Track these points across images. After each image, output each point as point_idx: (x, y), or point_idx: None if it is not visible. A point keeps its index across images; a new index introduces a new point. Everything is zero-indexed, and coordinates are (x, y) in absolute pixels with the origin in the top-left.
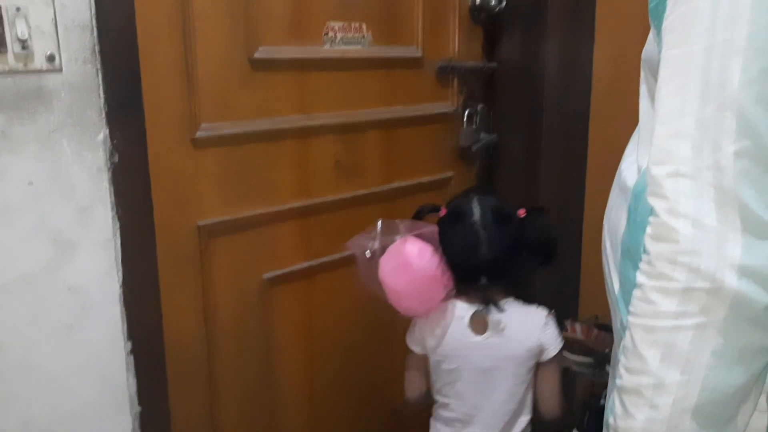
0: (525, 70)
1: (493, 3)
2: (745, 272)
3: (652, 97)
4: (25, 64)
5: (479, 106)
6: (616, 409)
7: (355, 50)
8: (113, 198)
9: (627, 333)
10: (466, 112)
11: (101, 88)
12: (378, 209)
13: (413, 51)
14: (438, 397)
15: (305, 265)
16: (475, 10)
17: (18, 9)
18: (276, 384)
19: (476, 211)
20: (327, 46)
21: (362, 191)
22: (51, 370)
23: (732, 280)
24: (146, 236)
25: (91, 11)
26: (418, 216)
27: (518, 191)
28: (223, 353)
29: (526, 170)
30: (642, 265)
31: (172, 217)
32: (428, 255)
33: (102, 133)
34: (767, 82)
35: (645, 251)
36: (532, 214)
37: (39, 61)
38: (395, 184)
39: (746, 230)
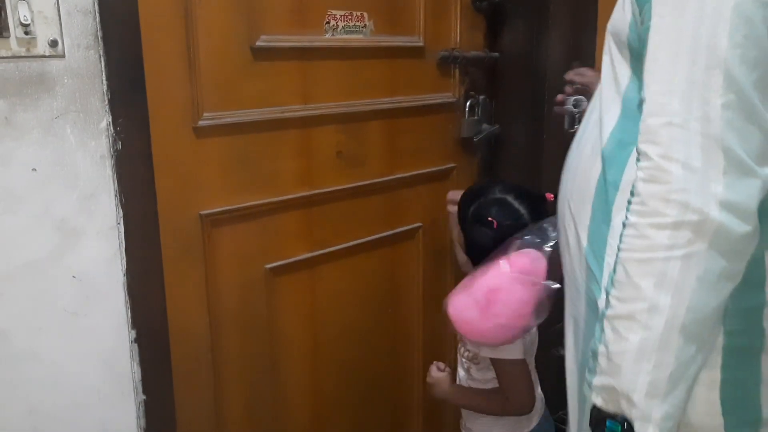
0: (527, 60)
1: None
2: (725, 206)
3: (613, 65)
4: (28, 50)
5: (481, 97)
6: (606, 337)
7: (356, 39)
8: (117, 186)
9: (618, 268)
10: (468, 103)
11: (104, 74)
12: (381, 199)
13: (415, 40)
14: None
15: (308, 255)
16: (477, 0)
17: None
18: (280, 373)
19: (523, 212)
20: (329, 35)
21: (364, 182)
22: (56, 357)
23: (715, 213)
24: (150, 224)
25: None
26: (480, 237)
27: (520, 182)
28: (227, 342)
29: (528, 161)
30: (634, 207)
31: (174, 205)
32: (528, 284)
33: (105, 120)
34: (750, 47)
35: (635, 194)
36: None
37: (42, 47)
38: (398, 175)
39: (728, 171)
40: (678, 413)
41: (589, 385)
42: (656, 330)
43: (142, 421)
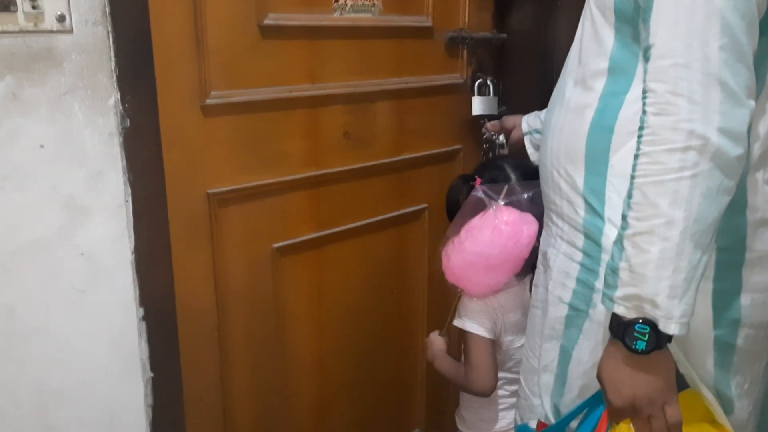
0: (535, 42)
1: None
2: (723, 131)
3: (595, 28)
4: (36, 24)
5: (489, 78)
6: (627, 253)
7: (365, 18)
8: (125, 163)
9: (635, 192)
10: (477, 83)
11: (112, 51)
12: (387, 180)
13: (423, 20)
14: (506, 376)
15: (315, 235)
16: None
17: None
18: (286, 351)
19: (512, 175)
20: (337, 14)
21: (371, 162)
22: (64, 335)
23: (714, 137)
24: (158, 203)
25: None
26: (455, 193)
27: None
28: (234, 321)
29: None
30: (645, 138)
31: (182, 184)
32: (531, 220)
33: (113, 98)
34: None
35: (645, 127)
36: None
37: (49, 21)
38: (404, 156)
39: (724, 102)
40: (691, 311)
41: (610, 298)
42: (673, 240)
43: (150, 399)
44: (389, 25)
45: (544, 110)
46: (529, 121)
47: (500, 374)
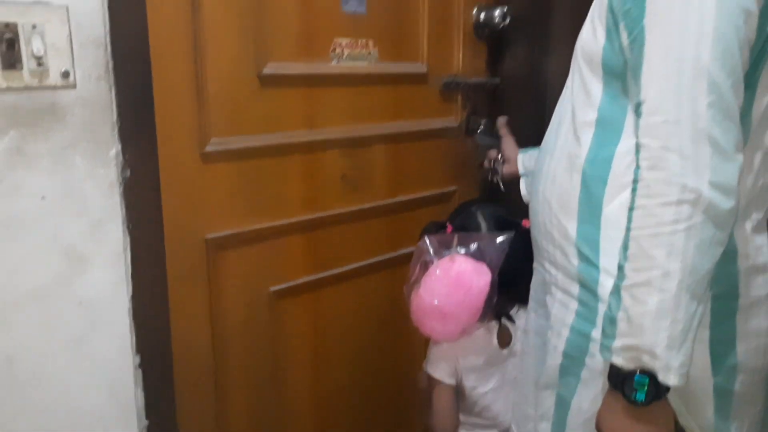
0: (528, 86)
1: (497, 20)
2: (714, 185)
3: (584, 81)
4: (40, 81)
5: (483, 121)
6: (625, 304)
7: (361, 66)
8: (125, 212)
9: (631, 244)
10: (470, 127)
11: (114, 104)
12: (383, 222)
13: (418, 67)
14: (470, 420)
15: (312, 277)
16: (479, 27)
17: (34, 26)
18: (284, 397)
19: (483, 225)
20: (334, 62)
21: (368, 204)
22: (61, 383)
23: (707, 192)
24: (156, 250)
25: (105, 28)
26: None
27: (522, 204)
28: (231, 366)
29: None
30: (640, 192)
31: (181, 230)
32: (484, 271)
33: (114, 149)
34: (727, 58)
35: (639, 180)
36: None
37: (54, 78)
38: (400, 198)
39: (714, 157)
40: (689, 361)
41: (608, 349)
42: (670, 292)
43: None
44: (385, 72)
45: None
46: (525, 163)
47: (468, 419)
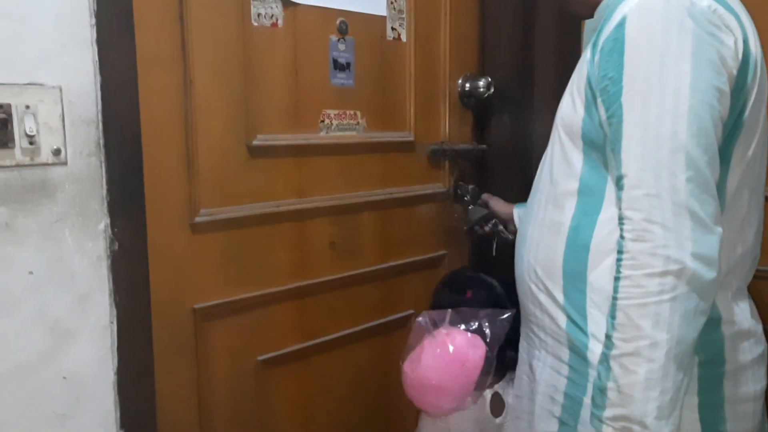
0: (514, 151)
1: (481, 90)
2: (696, 257)
3: (564, 152)
4: (32, 159)
5: (470, 186)
6: (615, 374)
7: (350, 136)
8: (112, 285)
9: (619, 314)
10: (458, 192)
11: (104, 179)
12: (373, 288)
13: (406, 136)
14: None
15: (300, 346)
16: (464, 96)
17: (27, 107)
18: None
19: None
20: (323, 133)
21: (357, 271)
22: None
23: (690, 263)
24: (142, 322)
25: (97, 107)
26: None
27: (512, 269)
28: None
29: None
30: (626, 263)
31: (168, 301)
32: (479, 344)
33: (103, 223)
34: (702, 136)
35: (625, 252)
36: None
37: (45, 155)
38: (390, 263)
39: (694, 229)
40: (677, 430)
41: (599, 419)
42: (659, 362)
43: None
44: (373, 141)
45: None
46: (520, 215)
47: None
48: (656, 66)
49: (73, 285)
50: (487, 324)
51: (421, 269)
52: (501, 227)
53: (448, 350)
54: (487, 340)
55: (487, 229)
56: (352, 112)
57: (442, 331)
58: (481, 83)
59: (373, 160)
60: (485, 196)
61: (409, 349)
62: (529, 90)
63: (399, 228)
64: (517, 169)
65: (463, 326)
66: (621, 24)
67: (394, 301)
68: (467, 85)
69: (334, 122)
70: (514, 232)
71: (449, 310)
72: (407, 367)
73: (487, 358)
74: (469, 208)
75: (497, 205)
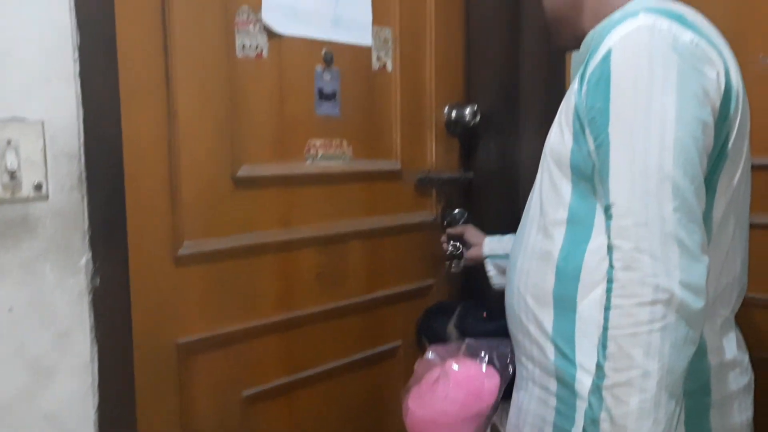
0: (501, 179)
1: (467, 118)
2: (685, 285)
3: (553, 182)
4: (13, 194)
5: (456, 211)
6: (607, 404)
7: (336, 165)
8: (93, 321)
9: (610, 344)
10: (446, 220)
11: (86, 213)
12: (360, 319)
13: (393, 164)
14: None
15: (287, 380)
16: (451, 124)
17: (9, 142)
18: None
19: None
20: (309, 162)
21: (344, 302)
22: None
23: (678, 292)
24: (124, 359)
25: (80, 140)
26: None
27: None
28: None
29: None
30: (616, 292)
31: (151, 336)
32: (494, 374)
33: (85, 257)
34: (688, 166)
35: (614, 281)
36: None
37: (26, 190)
38: (377, 294)
39: (682, 258)
40: None
41: None
42: (651, 392)
43: None
44: (360, 170)
45: (507, 236)
46: (492, 246)
47: None
48: (642, 98)
49: (53, 322)
50: (495, 354)
51: (409, 299)
52: (461, 249)
53: (464, 383)
54: (499, 370)
55: (450, 248)
56: (338, 142)
57: (454, 364)
58: (467, 111)
59: (360, 189)
60: (468, 225)
61: (412, 384)
62: (515, 117)
63: (386, 257)
64: (505, 197)
65: (473, 358)
66: (606, 57)
67: (382, 332)
68: (453, 113)
69: (320, 152)
70: (473, 260)
71: (463, 343)
72: (412, 403)
73: (500, 389)
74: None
75: (470, 231)
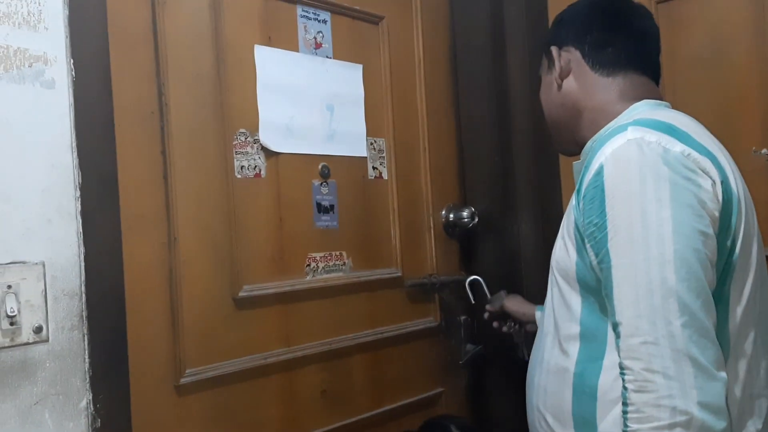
0: (503, 279)
1: (466, 219)
2: (703, 406)
3: (563, 295)
4: (12, 339)
5: (462, 318)
6: None
7: (336, 277)
8: None
9: None
10: (450, 325)
11: (87, 352)
12: None
13: (393, 272)
14: None
15: None
16: (449, 227)
17: (9, 287)
18: None
19: None
20: (309, 277)
21: (350, 419)
22: None
23: (698, 413)
24: None
25: (81, 279)
26: None
27: (515, 398)
28: None
29: (516, 378)
30: (631, 416)
31: None
32: None
33: (85, 399)
34: (692, 279)
35: (629, 404)
36: None
37: (26, 335)
38: (384, 408)
39: (697, 376)
40: None
41: None
42: None
43: None
44: (360, 280)
45: None
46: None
47: None
48: (637, 213)
49: None
50: None
51: (418, 411)
52: (520, 332)
53: None
54: None
55: (504, 329)
56: (338, 253)
57: None
58: (465, 213)
59: (361, 300)
60: (503, 293)
61: None
62: (512, 217)
63: (392, 369)
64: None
65: None
66: (599, 172)
67: None
68: (451, 215)
69: (320, 265)
70: (533, 333)
71: None
72: None
73: None
74: (489, 297)
75: (515, 304)
